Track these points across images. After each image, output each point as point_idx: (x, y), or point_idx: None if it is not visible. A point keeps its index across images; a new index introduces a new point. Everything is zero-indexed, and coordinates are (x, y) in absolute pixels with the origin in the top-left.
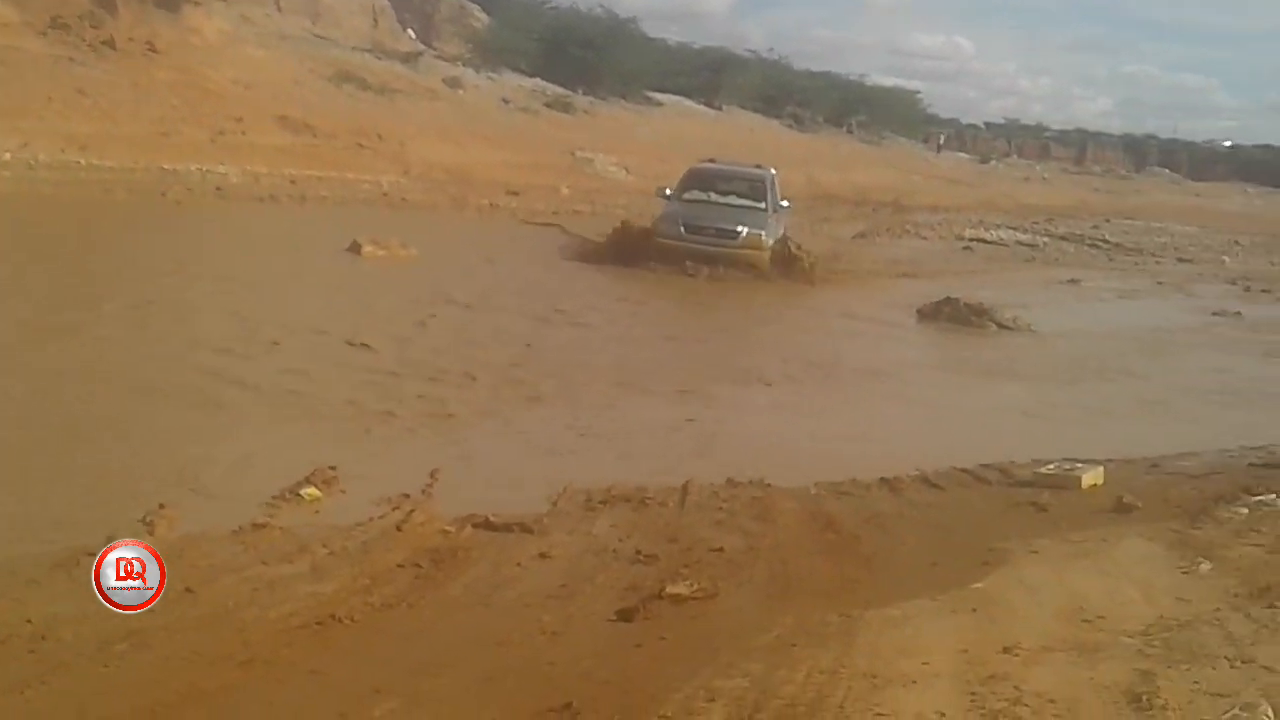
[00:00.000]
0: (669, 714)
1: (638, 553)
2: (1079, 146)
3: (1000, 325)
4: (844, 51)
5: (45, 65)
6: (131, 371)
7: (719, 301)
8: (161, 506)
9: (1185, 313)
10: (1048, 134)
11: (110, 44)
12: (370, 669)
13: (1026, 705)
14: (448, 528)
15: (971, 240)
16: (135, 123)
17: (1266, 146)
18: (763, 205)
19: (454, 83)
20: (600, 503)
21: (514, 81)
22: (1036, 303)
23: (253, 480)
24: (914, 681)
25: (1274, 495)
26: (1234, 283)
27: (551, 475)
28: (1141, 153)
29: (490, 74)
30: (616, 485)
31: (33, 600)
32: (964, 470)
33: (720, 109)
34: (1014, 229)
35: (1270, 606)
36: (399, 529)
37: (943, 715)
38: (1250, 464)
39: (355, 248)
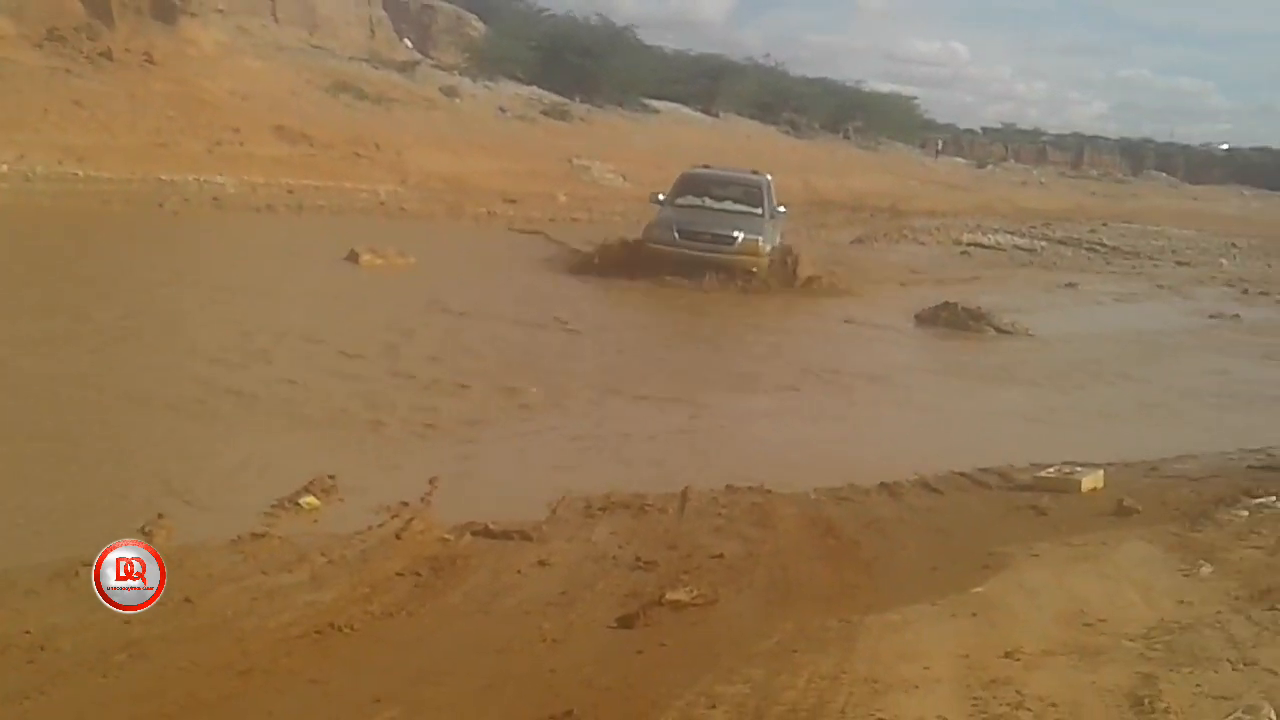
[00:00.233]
0: None
1: (638, 559)
2: (1076, 150)
3: (999, 329)
4: (839, 57)
5: (42, 77)
6: (130, 382)
7: (715, 308)
8: (160, 516)
9: (1183, 316)
10: (1044, 138)
11: (107, 55)
12: (370, 678)
13: (1028, 709)
14: (447, 535)
15: (969, 245)
16: (132, 134)
17: (1263, 149)
18: (759, 211)
19: (451, 92)
20: (600, 509)
21: (511, 90)
22: (1034, 307)
23: (251, 489)
24: (915, 686)
25: (1274, 498)
26: (1232, 285)
27: (550, 483)
28: (1138, 156)
29: (487, 83)
30: (615, 492)
31: (31, 611)
32: (963, 474)
33: (717, 116)
34: (1011, 233)
35: (1271, 609)
36: (398, 537)
37: None
38: (1250, 466)
39: (353, 257)
